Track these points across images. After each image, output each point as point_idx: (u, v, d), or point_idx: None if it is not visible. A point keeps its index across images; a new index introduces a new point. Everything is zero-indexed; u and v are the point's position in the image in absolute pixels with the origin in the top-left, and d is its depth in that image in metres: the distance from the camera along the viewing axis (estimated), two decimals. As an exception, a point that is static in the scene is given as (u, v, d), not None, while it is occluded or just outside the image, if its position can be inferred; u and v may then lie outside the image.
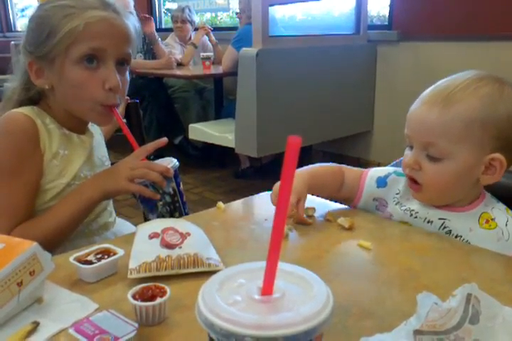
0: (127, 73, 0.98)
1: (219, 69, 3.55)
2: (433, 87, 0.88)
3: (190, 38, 4.17)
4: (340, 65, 3.16)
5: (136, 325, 0.55)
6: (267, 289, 0.43)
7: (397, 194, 0.97)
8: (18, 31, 6.55)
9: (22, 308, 0.62)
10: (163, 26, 5.17)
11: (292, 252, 0.82)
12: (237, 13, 3.87)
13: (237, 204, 1.07)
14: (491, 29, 2.79)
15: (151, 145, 0.94)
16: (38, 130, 0.93)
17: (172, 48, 4.10)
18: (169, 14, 4.97)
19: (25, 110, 0.94)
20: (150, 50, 3.98)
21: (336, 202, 1.03)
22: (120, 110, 1.03)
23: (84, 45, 0.88)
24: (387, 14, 3.40)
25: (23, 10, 6.85)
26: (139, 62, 3.77)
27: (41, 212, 0.95)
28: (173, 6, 5.07)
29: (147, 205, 0.97)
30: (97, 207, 1.04)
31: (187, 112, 3.91)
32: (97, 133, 1.10)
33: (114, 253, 0.72)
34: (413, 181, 0.90)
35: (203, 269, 0.71)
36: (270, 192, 0.93)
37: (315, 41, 3.03)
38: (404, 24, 3.18)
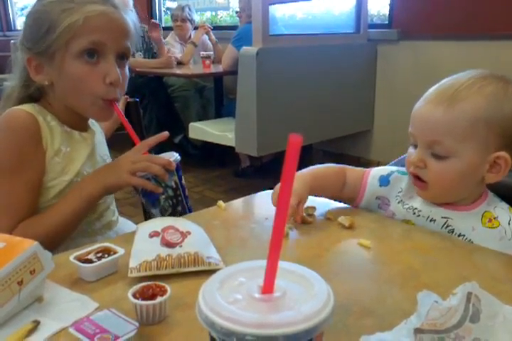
0: (127, 67, 0.98)
1: (219, 68, 3.55)
2: (437, 85, 0.88)
3: (190, 36, 4.17)
4: (341, 63, 3.16)
5: (137, 323, 0.55)
6: (267, 288, 0.43)
7: (399, 192, 0.97)
8: (18, 30, 6.54)
9: (22, 307, 0.62)
10: (163, 25, 5.15)
11: (293, 251, 0.82)
12: (237, 12, 3.86)
13: (238, 203, 1.07)
14: (491, 28, 2.79)
15: (152, 140, 0.94)
16: (39, 127, 0.92)
17: (172, 47, 4.10)
18: (169, 13, 4.97)
19: (26, 107, 0.94)
20: (150, 49, 3.98)
21: (337, 201, 1.03)
22: (120, 107, 1.02)
23: (84, 39, 0.88)
24: (387, 13, 3.40)
25: (22, 9, 6.84)
26: (139, 61, 3.77)
27: (44, 209, 0.94)
28: (173, 4, 5.06)
29: (149, 199, 0.97)
30: (101, 205, 1.04)
31: (187, 111, 3.90)
32: (98, 132, 1.10)
33: (115, 252, 0.72)
34: (418, 179, 0.90)
35: (204, 268, 0.71)
36: (271, 192, 0.93)
37: (315, 40, 3.03)
38: (404, 23, 3.18)
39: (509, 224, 0.86)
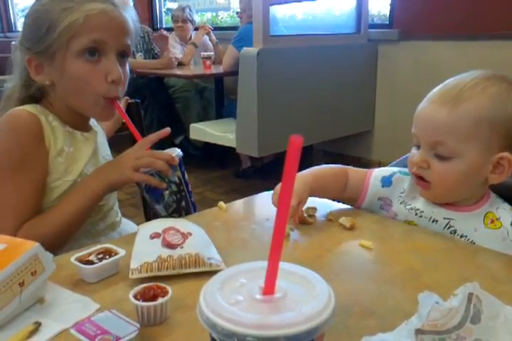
0: (127, 66, 0.98)
1: (220, 69, 3.55)
2: (441, 86, 0.88)
3: (190, 37, 4.17)
4: (341, 64, 3.16)
5: (138, 325, 0.55)
6: (268, 289, 0.43)
7: (401, 193, 0.97)
8: (18, 31, 6.55)
9: (24, 308, 0.62)
10: (163, 26, 5.17)
11: (293, 252, 0.82)
12: (237, 13, 3.86)
13: (238, 204, 1.07)
14: (491, 28, 2.79)
15: (154, 136, 0.94)
16: (42, 127, 0.92)
17: (172, 48, 4.10)
18: (170, 14, 4.97)
19: (28, 107, 0.94)
20: (151, 50, 3.98)
21: (338, 202, 1.03)
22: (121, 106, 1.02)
23: (85, 37, 0.88)
24: (387, 13, 3.40)
25: (23, 10, 6.85)
26: (139, 61, 3.77)
27: (47, 210, 0.94)
28: (174, 5, 5.07)
29: (153, 195, 0.97)
30: (105, 206, 1.04)
31: (188, 112, 3.91)
32: (100, 132, 1.09)
33: (116, 254, 0.72)
34: (420, 179, 0.90)
35: (205, 269, 0.71)
36: (271, 192, 0.93)
37: (316, 40, 3.03)
38: (404, 23, 3.18)
39: (511, 225, 0.87)
